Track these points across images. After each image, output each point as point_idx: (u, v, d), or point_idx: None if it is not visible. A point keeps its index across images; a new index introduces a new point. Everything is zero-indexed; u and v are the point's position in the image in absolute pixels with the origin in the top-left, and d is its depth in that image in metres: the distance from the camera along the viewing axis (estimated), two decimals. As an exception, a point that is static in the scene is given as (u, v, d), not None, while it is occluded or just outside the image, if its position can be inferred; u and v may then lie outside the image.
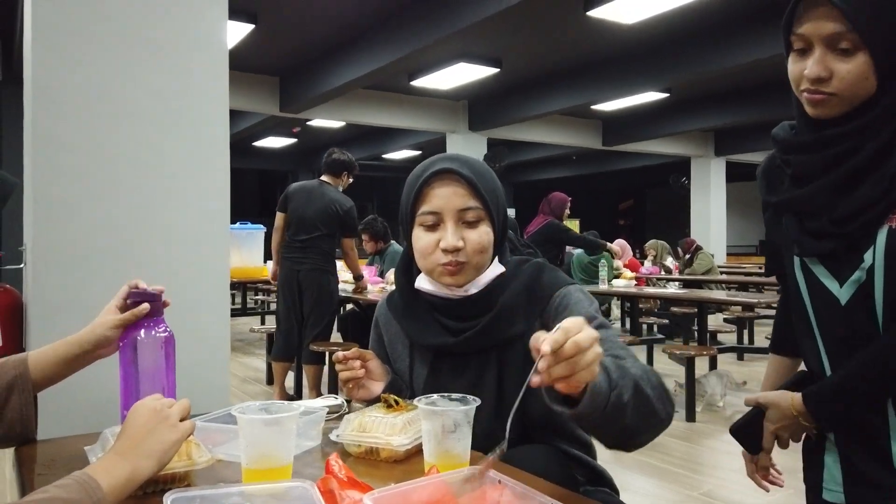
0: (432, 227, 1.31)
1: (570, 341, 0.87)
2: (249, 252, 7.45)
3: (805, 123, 1.15)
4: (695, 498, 3.21)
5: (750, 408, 1.38)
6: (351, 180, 4.91)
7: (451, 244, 1.28)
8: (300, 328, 4.81)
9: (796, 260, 1.20)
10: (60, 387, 1.84)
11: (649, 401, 1.07)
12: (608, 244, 6.93)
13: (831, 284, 1.14)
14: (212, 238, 2.10)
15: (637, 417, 1.04)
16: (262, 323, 8.44)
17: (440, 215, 1.29)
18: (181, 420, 1.00)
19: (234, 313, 7.39)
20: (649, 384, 1.08)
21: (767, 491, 1.42)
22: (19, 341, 1.97)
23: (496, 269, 1.35)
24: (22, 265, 2.11)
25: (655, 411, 1.08)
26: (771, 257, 1.34)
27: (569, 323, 0.89)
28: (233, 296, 7.80)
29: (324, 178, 4.79)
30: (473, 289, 1.33)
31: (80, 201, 1.91)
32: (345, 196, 4.77)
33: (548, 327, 1.32)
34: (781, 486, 1.38)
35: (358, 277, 5.14)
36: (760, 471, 1.40)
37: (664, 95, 9.76)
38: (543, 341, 0.87)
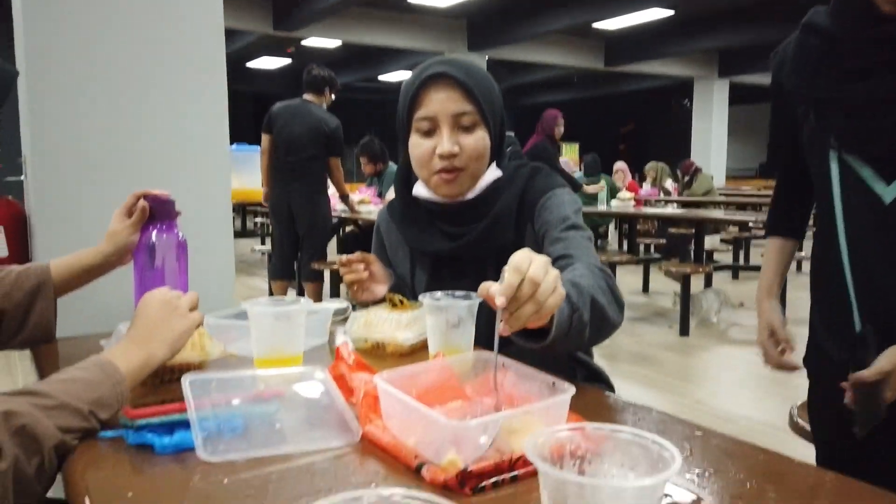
0: (428, 133, 1.31)
1: (525, 280, 0.82)
2: (248, 174, 7.43)
3: (867, 15, 1.06)
4: (686, 405, 3.33)
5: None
6: (334, 97, 4.78)
7: (446, 150, 1.28)
8: (295, 249, 4.83)
9: (832, 156, 1.13)
10: (67, 294, 1.89)
11: (604, 311, 1.06)
12: (584, 187, 6.95)
13: (876, 184, 1.08)
14: (212, 148, 2.09)
15: (594, 331, 1.05)
16: (263, 243, 8.48)
17: (435, 120, 1.29)
18: (190, 311, 1.03)
19: (235, 235, 7.41)
20: (602, 293, 1.07)
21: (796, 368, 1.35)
22: (25, 252, 1.99)
23: (493, 173, 1.36)
24: (22, 177, 2.11)
25: (608, 319, 1.09)
26: (777, 149, 1.30)
27: (517, 260, 0.84)
28: (232, 218, 7.79)
29: (306, 96, 4.65)
30: (470, 194, 1.35)
31: (78, 114, 1.89)
32: (331, 114, 4.66)
33: (537, 234, 1.34)
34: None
35: (344, 197, 5.08)
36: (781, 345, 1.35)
37: (669, 13, 9.49)
38: (496, 294, 0.81)
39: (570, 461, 0.54)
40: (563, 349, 1.05)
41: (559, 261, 1.21)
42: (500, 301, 0.80)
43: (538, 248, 1.33)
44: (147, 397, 0.96)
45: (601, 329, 1.08)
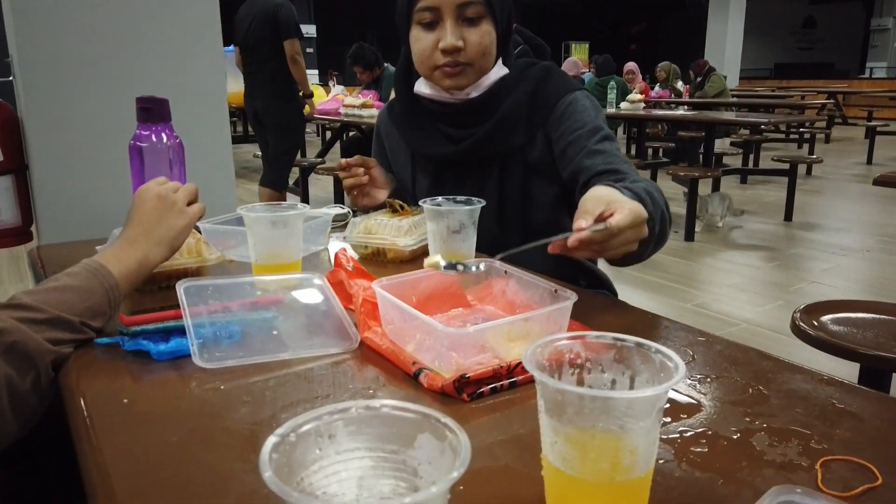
0: (430, 26, 1.23)
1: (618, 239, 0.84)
2: (246, 77, 7.21)
3: None
4: (688, 309, 3.36)
5: None
6: None
7: (450, 44, 1.21)
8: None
9: None
10: (64, 198, 1.87)
11: (666, 228, 1.07)
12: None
13: None
14: (205, 50, 2.01)
15: (657, 244, 1.05)
16: (265, 150, 8.36)
17: (439, 11, 1.21)
18: (189, 204, 0.98)
19: (236, 140, 7.31)
20: (666, 208, 1.08)
21: None
22: (21, 157, 1.95)
23: (499, 70, 1.29)
24: (11, 78, 2.04)
25: (666, 234, 1.09)
26: None
27: (620, 220, 0.83)
28: (234, 123, 7.69)
29: None
30: (475, 92, 1.28)
31: (65, 9, 1.81)
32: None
33: (551, 137, 1.29)
34: None
35: (307, 95, 4.72)
36: None
37: None
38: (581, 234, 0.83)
39: (569, 370, 0.53)
40: (630, 261, 1.06)
41: (607, 175, 1.16)
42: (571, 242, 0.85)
43: (550, 153, 1.29)
44: (143, 304, 0.95)
45: (660, 244, 1.08)
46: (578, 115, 1.26)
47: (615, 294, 1.49)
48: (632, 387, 0.52)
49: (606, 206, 0.86)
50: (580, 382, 0.53)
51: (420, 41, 1.25)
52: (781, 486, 0.50)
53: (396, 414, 0.41)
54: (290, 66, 4.30)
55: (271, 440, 0.37)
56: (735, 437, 0.63)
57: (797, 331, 1.74)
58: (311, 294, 0.92)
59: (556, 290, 0.83)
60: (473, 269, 0.89)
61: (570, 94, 1.28)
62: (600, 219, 0.85)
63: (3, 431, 0.71)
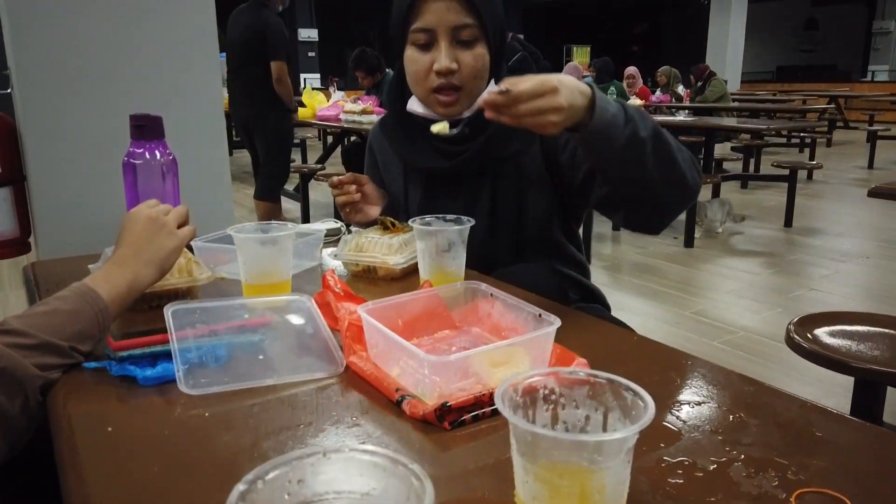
0: (425, 47, 1.24)
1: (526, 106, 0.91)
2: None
3: None
4: (686, 317, 3.36)
5: None
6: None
7: (444, 66, 1.22)
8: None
9: None
10: (62, 209, 1.88)
11: (672, 152, 1.05)
12: None
13: None
14: (201, 61, 2.02)
15: (660, 169, 1.04)
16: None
17: (433, 33, 1.22)
18: (179, 227, 0.98)
19: (237, 145, 7.32)
20: (674, 142, 1.07)
21: None
22: (19, 168, 1.96)
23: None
24: (9, 90, 2.05)
25: (682, 171, 1.07)
26: None
27: (521, 85, 0.92)
28: (234, 129, 7.67)
29: None
30: (467, 113, 1.29)
31: (62, 21, 1.82)
32: (272, 15, 4.19)
33: (551, 147, 1.30)
34: None
35: (292, 111, 4.60)
36: None
37: None
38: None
39: (544, 406, 0.53)
40: (620, 172, 1.06)
41: None
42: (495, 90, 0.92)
43: (545, 163, 1.30)
44: (134, 323, 0.96)
45: (673, 178, 1.07)
46: None
47: (608, 308, 1.49)
48: (605, 423, 0.52)
49: (531, 79, 0.93)
50: (555, 418, 0.54)
51: (415, 62, 1.26)
52: (753, 522, 0.51)
53: (365, 459, 0.42)
54: (275, 86, 4.21)
55: (238, 489, 0.38)
56: (712, 467, 0.63)
57: (791, 343, 1.74)
58: (299, 316, 0.93)
59: (539, 315, 0.83)
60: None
61: None
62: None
63: None
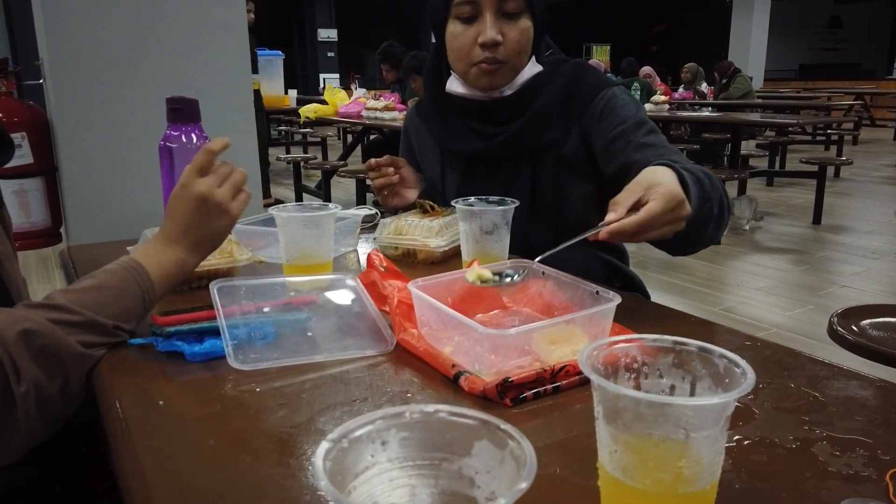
0: (469, 20, 1.21)
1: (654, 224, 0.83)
2: (269, 80, 7.22)
3: None
4: (715, 313, 3.30)
5: None
6: (252, 16, 4.40)
7: (489, 37, 1.18)
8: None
9: None
10: (93, 200, 1.87)
11: (724, 211, 1.03)
12: None
13: None
14: (231, 51, 2.01)
15: (715, 228, 1.02)
16: (287, 152, 8.41)
17: (478, 5, 1.19)
18: (234, 197, 0.91)
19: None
20: (724, 193, 1.05)
21: None
22: (50, 159, 1.96)
23: (533, 68, 1.27)
24: (41, 80, 2.05)
25: (724, 217, 1.05)
26: None
27: (653, 207, 0.83)
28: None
29: None
30: (508, 90, 1.26)
31: (94, 11, 1.81)
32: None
33: (588, 133, 1.26)
34: None
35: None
36: None
37: None
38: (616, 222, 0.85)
39: (625, 374, 0.50)
40: (687, 243, 1.03)
41: None
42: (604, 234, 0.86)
43: (585, 149, 1.27)
44: (175, 303, 0.94)
45: (719, 230, 1.05)
46: (620, 109, 1.23)
47: (647, 296, 1.45)
48: (692, 393, 0.49)
49: (645, 191, 0.84)
50: (637, 388, 0.50)
51: (458, 37, 1.23)
52: (852, 499, 0.47)
53: (453, 420, 0.39)
54: None
55: (324, 446, 0.35)
56: (794, 446, 0.59)
57: (835, 335, 1.69)
58: (344, 295, 0.91)
59: (597, 292, 0.80)
60: (509, 280, 0.87)
61: (608, 90, 1.26)
62: (635, 207, 0.83)
63: (31, 434, 0.70)
